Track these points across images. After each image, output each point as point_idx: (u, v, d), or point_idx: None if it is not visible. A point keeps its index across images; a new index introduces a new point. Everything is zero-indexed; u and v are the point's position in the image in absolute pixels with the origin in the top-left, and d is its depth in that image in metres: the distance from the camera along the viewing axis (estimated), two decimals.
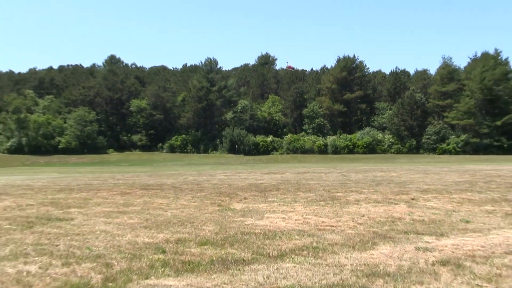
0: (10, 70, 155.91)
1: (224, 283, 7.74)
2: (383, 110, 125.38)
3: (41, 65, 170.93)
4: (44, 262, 9.12)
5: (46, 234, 11.90)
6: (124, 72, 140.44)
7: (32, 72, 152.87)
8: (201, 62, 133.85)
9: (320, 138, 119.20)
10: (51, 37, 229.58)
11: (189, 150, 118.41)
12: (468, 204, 17.23)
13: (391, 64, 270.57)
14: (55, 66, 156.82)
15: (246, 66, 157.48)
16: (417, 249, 10.17)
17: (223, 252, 9.87)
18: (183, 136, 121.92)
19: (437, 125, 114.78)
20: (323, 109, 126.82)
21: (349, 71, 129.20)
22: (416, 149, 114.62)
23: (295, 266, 8.80)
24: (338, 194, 20.34)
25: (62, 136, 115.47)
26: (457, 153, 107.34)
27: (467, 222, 13.58)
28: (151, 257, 9.49)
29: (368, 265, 8.86)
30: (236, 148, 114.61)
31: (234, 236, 11.52)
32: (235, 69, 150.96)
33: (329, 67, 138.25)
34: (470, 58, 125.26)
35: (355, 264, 8.89)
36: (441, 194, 19.91)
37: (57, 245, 10.58)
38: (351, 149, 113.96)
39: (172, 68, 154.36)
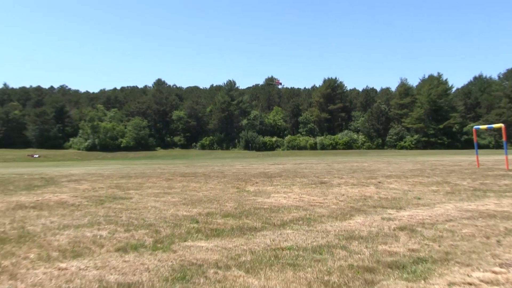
0: (87, 91, 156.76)
1: (241, 244, 7.85)
2: (357, 117, 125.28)
3: (108, 86, 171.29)
4: (111, 229, 9.27)
5: (113, 208, 12.08)
6: (167, 91, 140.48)
7: (102, 91, 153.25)
8: (224, 83, 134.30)
9: (311, 138, 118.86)
10: (116, 64, 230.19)
11: (215, 148, 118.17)
12: (419, 185, 17.24)
13: (363, 83, 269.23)
14: (118, 87, 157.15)
15: (256, 85, 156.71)
16: (383, 219, 10.24)
17: (240, 222, 9.95)
18: (211, 137, 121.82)
19: (396, 128, 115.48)
20: (313, 117, 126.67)
21: (332, 88, 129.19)
22: (381, 146, 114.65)
23: (293, 232, 8.89)
24: (325, 179, 20.34)
25: (123, 138, 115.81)
26: (411, 148, 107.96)
27: (419, 199, 13.63)
28: (188, 225, 9.58)
29: (347, 231, 8.94)
30: (249, 146, 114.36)
31: (248, 210, 11.60)
32: (248, 87, 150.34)
33: (317, 85, 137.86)
34: (420, 79, 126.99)
35: (337, 230, 8.97)
36: (400, 179, 19.90)
37: (120, 217, 10.75)
38: (334, 146, 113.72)
39: (202, 88, 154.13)
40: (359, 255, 7.03)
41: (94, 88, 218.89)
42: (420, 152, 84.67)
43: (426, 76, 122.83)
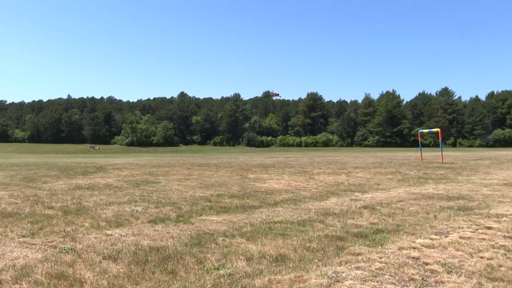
0: (128, 100, 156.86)
1: (243, 219, 7.84)
2: (333, 123, 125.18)
3: (144, 97, 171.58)
4: (144, 206, 9.23)
5: (146, 190, 12.02)
6: (188, 101, 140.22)
7: (139, 101, 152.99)
8: (231, 95, 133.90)
9: (298, 138, 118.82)
10: (150, 80, 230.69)
11: (224, 144, 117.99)
12: (379, 174, 17.23)
13: (337, 96, 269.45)
14: (151, 98, 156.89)
15: (256, 97, 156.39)
16: (351, 200, 10.25)
17: (243, 202, 9.93)
18: (221, 136, 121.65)
19: (362, 131, 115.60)
20: (299, 121, 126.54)
21: (314, 100, 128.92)
22: (351, 144, 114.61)
23: (283, 210, 8.88)
24: (308, 169, 20.33)
25: (155, 136, 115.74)
26: (373, 146, 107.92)
27: (378, 184, 13.64)
28: (203, 204, 9.54)
29: (324, 209, 8.93)
30: (250, 143, 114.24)
31: (249, 193, 11.56)
32: (250, 99, 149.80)
33: (302, 98, 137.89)
34: (380, 94, 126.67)
35: (317, 208, 8.97)
36: (364, 169, 19.92)
37: (151, 196, 10.68)
38: (315, 144, 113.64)
39: (214, 98, 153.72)
40: (333, 227, 7.03)
41: (134, 98, 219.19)
42: (379, 149, 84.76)
43: (384, 92, 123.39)
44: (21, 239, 6.17)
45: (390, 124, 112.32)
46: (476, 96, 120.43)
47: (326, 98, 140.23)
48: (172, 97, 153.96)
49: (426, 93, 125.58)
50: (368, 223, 7.38)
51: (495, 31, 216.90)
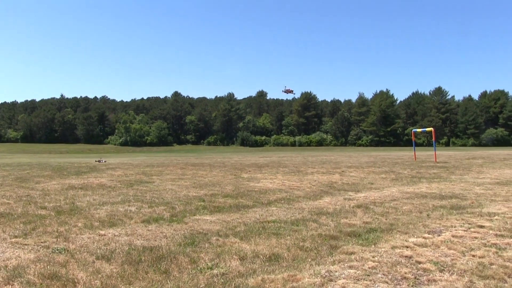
0: (121, 100, 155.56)
1: (237, 218, 7.85)
2: (326, 122, 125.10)
3: (138, 96, 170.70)
4: (138, 205, 9.22)
5: (140, 190, 12.00)
6: (182, 100, 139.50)
7: (133, 100, 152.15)
8: (225, 94, 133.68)
9: (292, 137, 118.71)
10: (144, 79, 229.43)
11: (218, 144, 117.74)
12: (372, 174, 17.32)
13: (331, 96, 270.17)
14: (145, 97, 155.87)
15: (250, 96, 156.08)
16: (345, 199, 10.29)
17: (236, 201, 9.94)
18: (215, 136, 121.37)
19: (356, 130, 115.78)
20: (293, 121, 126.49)
21: (308, 100, 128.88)
22: (344, 144, 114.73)
23: (277, 209, 8.90)
24: (302, 168, 20.37)
25: (149, 136, 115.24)
26: (366, 146, 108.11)
27: (372, 184, 13.71)
28: (196, 203, 9.54)
29: (317, 208, 8.96)
30: (244, 143, 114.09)
31: (243, 192, 11.58)
32: (244, 98, 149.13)
33: (297, 97, 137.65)
34: (373, 93, 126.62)
35: (310, 208, 9.00)
36: (358, 169, 19.99)
37: (145, 196, 10.67)
38: (309, 144, 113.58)
39: (208, 98, 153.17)
40: (326, 227, 7.05)
41: (127, 98, 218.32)
42: (373, 149, 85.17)
43: (378, 91, 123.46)
44: (13, 240, 6.14)
45: (384, 124, 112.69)
46: (469, 96, 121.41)
47: (320, 98, 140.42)
48: (166, 96, 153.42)
49: (419, 92, 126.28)
50: (361, 222, 7.40)
51: (488, 31, 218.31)
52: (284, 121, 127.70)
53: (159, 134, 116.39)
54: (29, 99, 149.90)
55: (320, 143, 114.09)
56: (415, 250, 5.55)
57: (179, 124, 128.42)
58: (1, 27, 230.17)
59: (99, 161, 19.73)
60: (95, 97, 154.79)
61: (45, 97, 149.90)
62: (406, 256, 5.25)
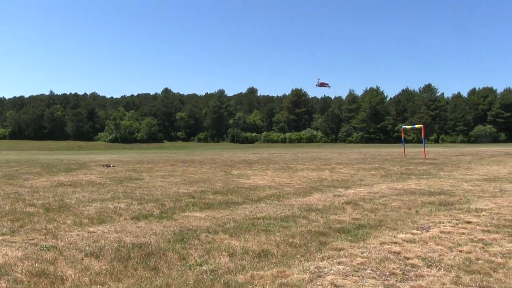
0: (111, 96, 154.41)
1: (227, 215, 7.85)
2: (317, 119, 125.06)
3: (128, 93, 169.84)
4: (128, 202, 9.18)
5: (129, 187, 11.95)
6: (172, 97, 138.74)
7: (123, 97, 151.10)
8: (216, 91, 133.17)
9: (282, 134, 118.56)
10: (134, 76, 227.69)
11: (208, 141, 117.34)
12: (362, 170, 17.40)
13: (322, 92, 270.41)
14: (135, 94, 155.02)
15: (240, 93, 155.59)
16: (334, 195, 10.32)
17: (226, 198, 9.93)
18: (206, 133, 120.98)
19: (346, 127, 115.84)
20: (284, 118, 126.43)
21: (298, 96, 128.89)
22: (335, 140, 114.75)
23: (266, 205, 8.91)
24: (292, 165, 20.41)
25: (139, 133, 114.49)
26: (357, 142, 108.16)
27: (361, 180, 13.78)
28: (186, 200, 9.52)
29: (307, 204, 8.98)
30: (235, 139, 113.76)
31: (233, 189, 11.57)
32: (234, 95, 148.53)
33: (287, 94, 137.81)
34: (364, 90, 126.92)
35: (300, 204, 9.01)
36: (348, 165, 20.08)
37: (135, 193, 10.62)
38: (299, 140, 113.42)
39: (199, 94, 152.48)
40: (316, 223, 7.07)
41: (117, 94, 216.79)
42: (363, 145, 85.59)
43: (368, 88, 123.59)
44: (0, 237, 6.08)
45: (374, 120, 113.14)
46: (459, 93, 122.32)
47: (311, 94, 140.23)
48: (156, 93, 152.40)
49: (409, 89, 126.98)
50: (350, 218, 7.45)
51: (477, 28, 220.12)
52: (275, 118, 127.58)
53: (149, 131, 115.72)
54: (17, 96, 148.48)
55: (310, 140, 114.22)
56: (404, 246, 5.60)
57: (170, 120, 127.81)
58: None
59: (107, 165, 19.51)
60: (85, 93, 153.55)
61: (34, 94, 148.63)
62: (394, 252, 5.29)
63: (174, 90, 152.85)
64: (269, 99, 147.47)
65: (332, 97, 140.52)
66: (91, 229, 6.60)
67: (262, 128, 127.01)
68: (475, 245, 5.63)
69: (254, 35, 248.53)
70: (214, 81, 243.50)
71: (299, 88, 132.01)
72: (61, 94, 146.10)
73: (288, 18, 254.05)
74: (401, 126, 45.73)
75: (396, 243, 5.74)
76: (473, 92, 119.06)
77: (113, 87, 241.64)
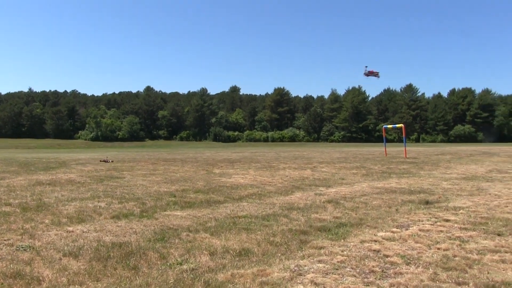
0: (92, 94, 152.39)
1: (208, 214, 7.82)
2: (299, 118, 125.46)
3: (109, 91, 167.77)
4: (108, 201, 9.08)
5: (110, 185, 11.82)
6: (154, 95, 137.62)
7: (104, 95, 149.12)
8: (198, 89, 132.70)
9: (264, 133, 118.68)
10: (115, 73, 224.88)
11: (190, 139, 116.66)
12: (344, 169, 17.53)
13: (304, 91, 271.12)
14: (117, 92, 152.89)
15: (223, 92, 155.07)
16: (315, 194, 10.38)
17: (208, 197, 9.89)
18: (188, 131, 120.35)
19: (328, 126, 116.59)
20: (266, 116, 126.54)
21: (281, 95, 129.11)
22: (317, 139, 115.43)
23: (248, 204, 8.91)
24: (274, 164, 20.44)
25: (120, 131, 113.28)
26: (339, 141, 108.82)
27: (343, 179, 13.88)
28: (167, 199, 9.47)
29: (288, 203, 9.01)
30: (217, 138, 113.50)
31: (214, 188, 11.54)
32: (217, 93, 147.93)
33: (270, 93, 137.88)
34: (346, 90, 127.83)
35: (281, 203, 9.03)
36: (330, 164, 20.21)
37: (115, 192, 10.52)
38: (281, 139, 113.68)
39: (181, 93, 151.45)
40: (297, 222, 7.11)
41: (98, 92, 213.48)
42: (345, 145, 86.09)
43: (350, 88, 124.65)
44: None
45: (356, 120, 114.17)
46: (439, 93, 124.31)
47: (293, 94, 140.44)
48: (138, 91, 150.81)
49: (391, 89, 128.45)
50: (331, 217, 7.50)
51: (457, 29, 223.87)
52: (257, 117, 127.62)
53: (131, 129, 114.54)
54: None
55: (292, 139, 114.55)
56: (383, 244, 5.67)
57: (151, 119, 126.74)
58: None
59: (105, 160, 19.26)
60: (65, 91, 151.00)
61: (12, 91, 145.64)
62: (374, 250, 5.35)
63: (156, 88, 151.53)
64: (251, 98, 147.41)
65: (315, 97, 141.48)
66: (70, 229, 6.51)
67: (244, 127, 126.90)
68: (452, 242, 5.74)
69: (236, 34, 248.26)
70: (197, 80, 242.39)
71: (282, 87, 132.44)
72: (41, 92, 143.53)
73: (270, 17, 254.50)
74: (382, 126, 46.27)
75: (376, 241, 5.81)
76: (452, 92, 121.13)
77: (94, 85, 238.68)
